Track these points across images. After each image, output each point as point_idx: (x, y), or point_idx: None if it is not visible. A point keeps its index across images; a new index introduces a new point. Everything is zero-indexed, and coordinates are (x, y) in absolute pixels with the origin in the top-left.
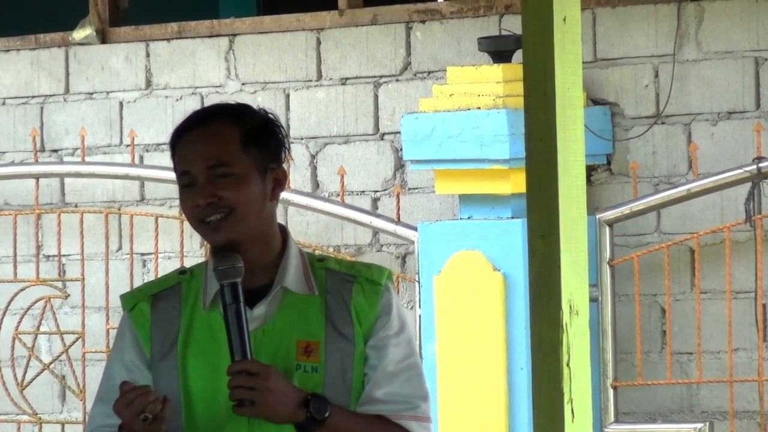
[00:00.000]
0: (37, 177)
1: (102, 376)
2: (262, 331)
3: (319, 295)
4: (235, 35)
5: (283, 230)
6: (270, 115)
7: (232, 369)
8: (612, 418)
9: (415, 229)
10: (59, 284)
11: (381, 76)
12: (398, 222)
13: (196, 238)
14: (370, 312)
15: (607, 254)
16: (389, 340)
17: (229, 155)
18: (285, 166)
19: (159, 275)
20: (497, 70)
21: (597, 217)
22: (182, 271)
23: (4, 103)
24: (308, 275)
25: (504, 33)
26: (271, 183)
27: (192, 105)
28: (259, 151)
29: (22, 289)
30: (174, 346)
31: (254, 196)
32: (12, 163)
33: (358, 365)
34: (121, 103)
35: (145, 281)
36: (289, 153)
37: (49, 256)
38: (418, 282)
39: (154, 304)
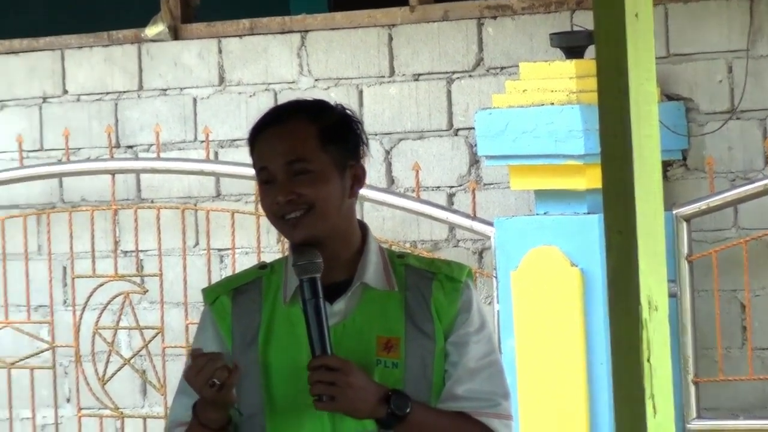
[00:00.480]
0: (113, 173)
1: (184, 368)
2: (342, 327)
3: (398, 292)
4: (306, 31)
5: (363, 226)
6: (348, 112)
7: (313, 364)
8: (694, 414)
9: (491, 224)
10: (137, 279)
11: (453, 72)
12: (474, 217)
13: (273, 233)
14: (449, 309)
15: (685, 250)
16: (470, 337)
17: (307, 152)
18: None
19: (236, 270)
20: (570, 65)
21: (674, 212)
22: (262, 266)
23: (78, 100)
24: (388, 271)
25: (576, 29)
26: (350, 180)
27: (265, 101)
28: (338, 148)
29: (100, 285)
30: (255, 340)
31: (333, 193)
32: (88, 159)
33: (438, 362)
34: (194, 99)
35: (223, 277)
36: (367, 149)
37: (126, 251)
38: (496, 277)
39: (235, 298)
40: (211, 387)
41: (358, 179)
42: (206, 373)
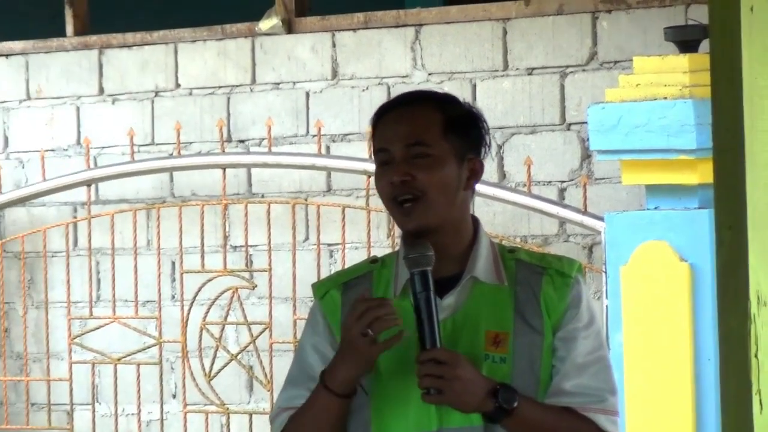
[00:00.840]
0: (223, 167)
1: (293, 360)
2: (452, 321)
3: (508, 286)
4: (421, 25)
5: (475, 220)
6: (474, 109)
7: (422, 357)
8: None
9: (601, 219)
10: (246, 275)
11: (567, 66)
12: (585, 212)
13: (383, 228)
14: (559, 304)
15: None
16: (578, 332)
17: (428, 136)
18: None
19: (346, 266)
20: (683, 60)
21: None
22: (373, 260)
23: (190, 94)
24: (498, 266)
25: (690, 23)
26: (467, 172)
27: (378, 95)
28: (459, 138)
29: (209, 280)
30: None
31: (448, 181)
32: (199, 154)
33: (546, 357)
34: (307, 93)
35: (332, 272)
36: (489, 149)
37: (236, 246)
38: (605, 272)
39: (345, 292)
40: (364, 336)
41: (476, 173)
42: (365, 321)
